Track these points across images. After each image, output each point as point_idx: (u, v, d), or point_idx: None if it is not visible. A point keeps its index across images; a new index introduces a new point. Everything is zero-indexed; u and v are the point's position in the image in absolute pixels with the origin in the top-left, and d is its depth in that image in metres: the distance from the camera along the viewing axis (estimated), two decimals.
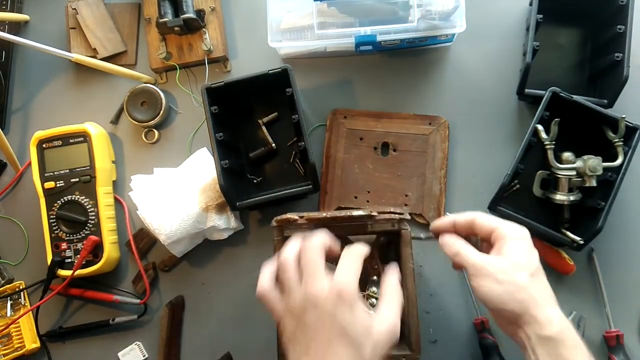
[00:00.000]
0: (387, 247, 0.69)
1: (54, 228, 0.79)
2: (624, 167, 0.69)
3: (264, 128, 0.81)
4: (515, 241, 0.53)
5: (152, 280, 0.80)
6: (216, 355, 0.78)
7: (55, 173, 0.80)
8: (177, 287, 0.80)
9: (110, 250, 0.78)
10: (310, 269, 0.50)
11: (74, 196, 0.79)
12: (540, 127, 0.71)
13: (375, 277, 0.67)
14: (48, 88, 0.89)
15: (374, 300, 0.66)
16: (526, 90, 0.76)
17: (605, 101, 0.73)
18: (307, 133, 0.76)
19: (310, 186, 0.75)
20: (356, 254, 0.52)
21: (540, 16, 0.74)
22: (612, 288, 0.73)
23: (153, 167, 0.81)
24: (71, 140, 0.80)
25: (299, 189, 0.75)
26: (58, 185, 0.79)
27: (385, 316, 0.50)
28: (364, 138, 0.81)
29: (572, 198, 0.71)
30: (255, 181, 0.80)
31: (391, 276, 0.55)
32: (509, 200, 0.74)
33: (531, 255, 0.53)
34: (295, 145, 0.80)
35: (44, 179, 0.79)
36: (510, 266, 0.51)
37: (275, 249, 0.63)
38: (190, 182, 0.78)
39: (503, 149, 0.79)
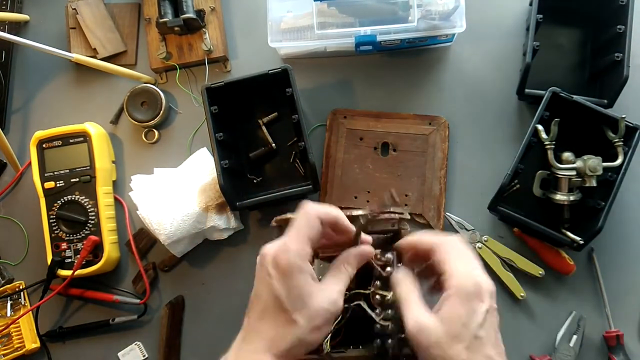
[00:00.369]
0: (386, 247, 0.69)
1: (54, 228, 0.79)
2: (624, 167, 0.69)
3: (264, 128, 0.81)
4: (458, 292, 0.45)
5: (152, 280, 0.80)
6: (216, 355, 0.78)
7: (55, 173, 0.80)
8: (177, 287, 0.80)
9: (110, 250, 0.78)
10: (288, 230, 0.47)
11: (74, 196, 0.79)
12: (540, 127, 0.71)
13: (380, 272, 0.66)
14: (48, 88, 0.89)
15: (378, 297, 0.65)
16: (526, 90, 0.76)
17: (605, 101, 0.73)
18: (307, 133, 0.76)
19: (310, 186, 0.75)
20: (305, 217, 0.47)
21: (540, 16, 0.74)
22: (612, 288, 0.73)
23: (153, 167, 0.81)
24: (71, 140, 0.80)
25: (299, 189, 0.75)
26: (58, 185, 0.79)
27: (327, 290, 0.47)
28: (364, 138, 0.81)
29: (572, 198, 0.71)
30: (255, 181, 0.80)
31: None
32: (509, 200, 0.74)
33: (473, 308, 0.44)
34: (295, 145, 0.80)
35: (44, 179, 0.79)
36: (446, 336, 0.44)
37: None
38: (190, 182, 0.78)
39: (503, 149, 0.79)
